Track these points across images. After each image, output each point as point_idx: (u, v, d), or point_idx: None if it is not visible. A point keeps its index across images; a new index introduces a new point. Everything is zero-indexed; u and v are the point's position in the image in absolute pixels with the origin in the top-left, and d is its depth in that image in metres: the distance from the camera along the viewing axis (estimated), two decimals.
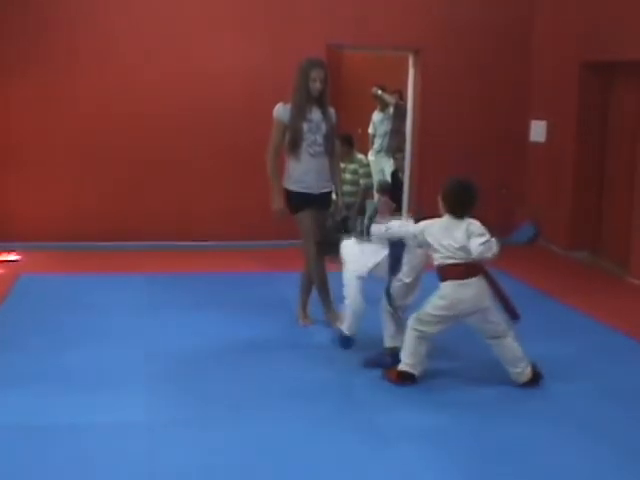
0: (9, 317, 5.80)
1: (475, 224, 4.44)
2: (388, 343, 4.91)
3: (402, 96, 9.98)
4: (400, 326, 4.84)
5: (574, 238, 8.27)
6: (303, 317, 5.70)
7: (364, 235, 4.66)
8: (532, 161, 8.82)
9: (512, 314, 4.50)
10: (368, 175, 9.59)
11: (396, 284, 4.84)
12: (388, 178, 10.03)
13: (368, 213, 9.40)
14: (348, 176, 8.18)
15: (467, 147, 8.64)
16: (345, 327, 4.95)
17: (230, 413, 4.20)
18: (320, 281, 5.62)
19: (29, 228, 7.90)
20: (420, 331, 4.52)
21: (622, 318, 6.00)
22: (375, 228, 4.75)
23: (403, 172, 9.14)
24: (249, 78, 8.09)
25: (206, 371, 4.80)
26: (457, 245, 4.40)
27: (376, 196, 9.66)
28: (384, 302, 4.89)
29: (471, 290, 4.42)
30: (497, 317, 4.51)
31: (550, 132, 8.50)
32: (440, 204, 4.54)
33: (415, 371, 4.57)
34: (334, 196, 5.90)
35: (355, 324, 4.92)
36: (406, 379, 4.57)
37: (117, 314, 5.88)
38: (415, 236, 4.55)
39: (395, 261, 4.82)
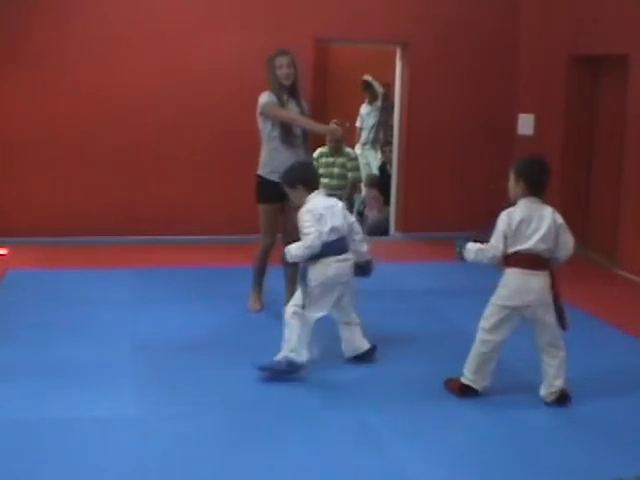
0: None
1: (559, 216, 4.23)
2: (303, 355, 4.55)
3: (390, 90, 9.97)
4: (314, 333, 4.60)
5: None
6: (253, 302, 5.90)
7: (459, 257, 4.31)
8: (520, 154, 8.79)
9: (562, 322, 4.25)
10: (356, 169, 9.57)
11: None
12: (374, 171, 10.04)
13: (356, 207, 9.42)
14: (336, 170, 8.16)
15: (455, 140, 8.65)
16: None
17: (221, 408, 4.19)
18: (260, 268, 5.85)
19: (16, 223, 7.84)
20: (486, 341, 4.24)
21: (616, 311, 6.08)
22: (469, 250, 4.29)
23: (391, 165, 9.15)
24: (237, 73, 8.03)
25: (196, 365, 4.79)
26: (540, 236, 4.15)
27: (364, 190, 9.68)
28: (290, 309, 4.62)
29: (538, 281, 4.17)
30: (554, 320, 4.24)
31: (538, 125, 8.52)
32: (514, 187, 4.24)
33: (477, 386, 4.33)
34: None
35: None
36: (468, 392, 4.34)
37: (106, 308, 5.86)
38: (501, 250, 4.21)
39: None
